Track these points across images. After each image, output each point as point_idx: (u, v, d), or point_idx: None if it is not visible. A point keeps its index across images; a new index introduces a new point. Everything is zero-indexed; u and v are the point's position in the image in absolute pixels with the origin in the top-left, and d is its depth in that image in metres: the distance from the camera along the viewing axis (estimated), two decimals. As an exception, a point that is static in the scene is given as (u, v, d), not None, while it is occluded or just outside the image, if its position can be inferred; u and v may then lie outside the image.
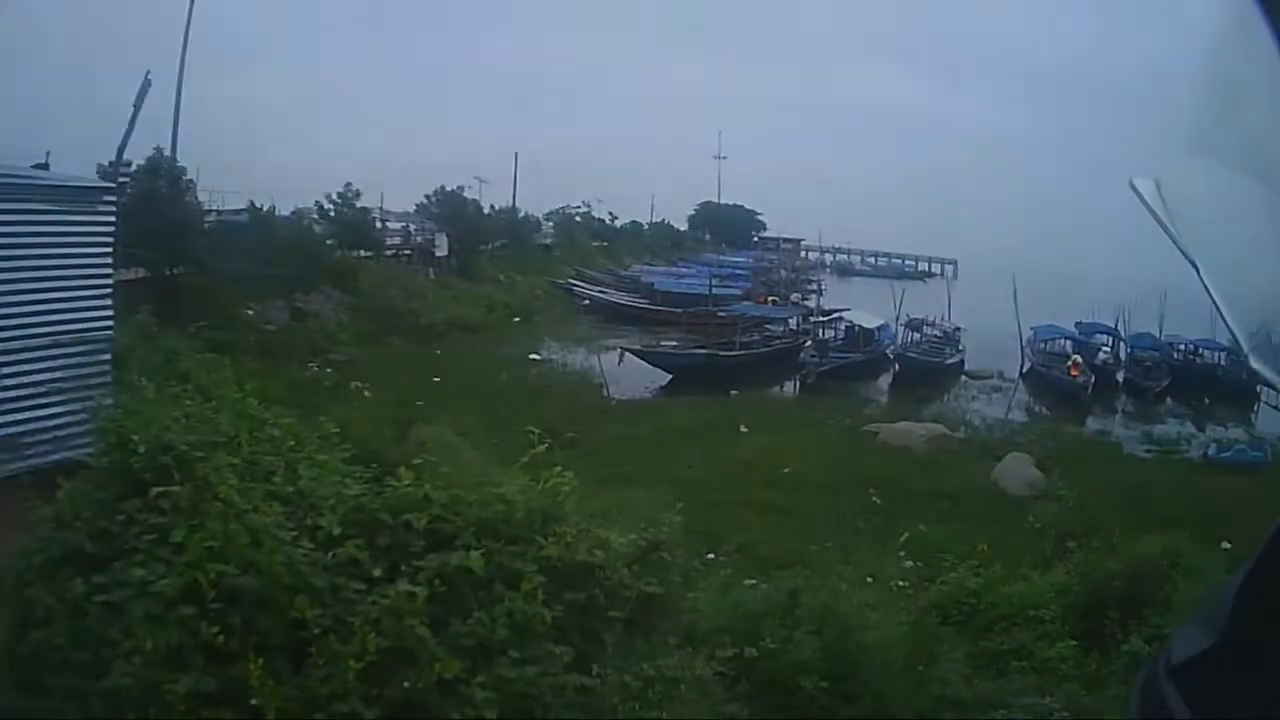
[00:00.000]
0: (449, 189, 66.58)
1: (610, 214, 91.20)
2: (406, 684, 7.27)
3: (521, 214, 77.81)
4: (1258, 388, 62.82)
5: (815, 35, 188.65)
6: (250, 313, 43.23)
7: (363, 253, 55.60)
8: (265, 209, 51.30)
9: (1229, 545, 27.25)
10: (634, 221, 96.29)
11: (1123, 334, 64.48)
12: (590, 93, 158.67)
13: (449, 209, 65.59)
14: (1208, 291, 1.80)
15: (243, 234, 47.62)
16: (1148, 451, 44.64)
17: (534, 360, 48.46)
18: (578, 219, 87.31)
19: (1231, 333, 1.82)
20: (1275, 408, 60.85)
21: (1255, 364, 1.82)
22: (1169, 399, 57.31)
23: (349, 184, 56.59)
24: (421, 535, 8.24)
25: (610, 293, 67.56)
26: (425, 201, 67.37)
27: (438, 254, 61.95)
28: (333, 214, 56.09)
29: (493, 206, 72.12)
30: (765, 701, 10.39)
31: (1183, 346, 64.79)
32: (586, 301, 66.02)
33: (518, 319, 58.63)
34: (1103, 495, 25.84)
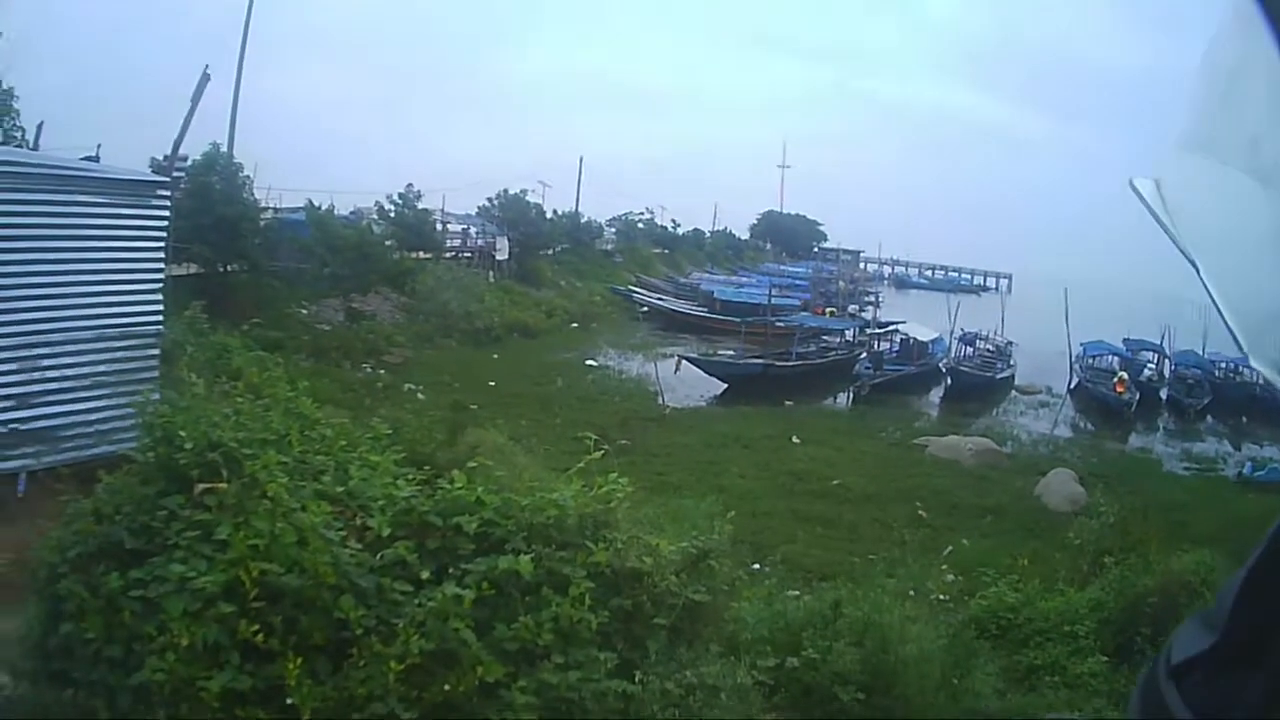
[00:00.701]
0: (512, 192, 67.35)
1: (673, 221, 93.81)
2: (447, 687, 7.28)
3: (584, 219, 79.27)
4: None
5: (885, 45, 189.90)
6: (305, 312, 44.09)
7: (422, 254, 55.72)
8: (324, 208, 51.50)
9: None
10: (696, 229, 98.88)
11: (1167, 351, 64.33)
12: (661, 100, 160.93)
13: (511, 212, 66.69)
14: (1208, 292, 1.83)
15: (300, 232, 47.72)
16: (1186, 469, 44.42)
17: (590, 366, 49.11)
18: (640, 225, 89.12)
19: (1231, 333, 1.81)
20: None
21: (1255, 364, 1.84)
22: (1209, 417, 56.92)
23: (410, 185, 57.80)
24: (472, 539, 8.27)
25: (669, 300, 68.29)
26: (487, 204, 68.47)
27: (498, 257, 62.93)
28: (393, 215, 57.46)
29: (555, 211, 73.73)
30: (802, 711, 10.48)
31: (1223, 365, 63.71)
32: (645, 309, 66.67)
33: (575, 324, 59.40)
34: (1141, 512, 25.71)
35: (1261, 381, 63.29)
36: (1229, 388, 61.09)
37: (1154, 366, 64.02)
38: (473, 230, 67.52)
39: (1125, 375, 56.30)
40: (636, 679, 7.93)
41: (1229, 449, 50.61)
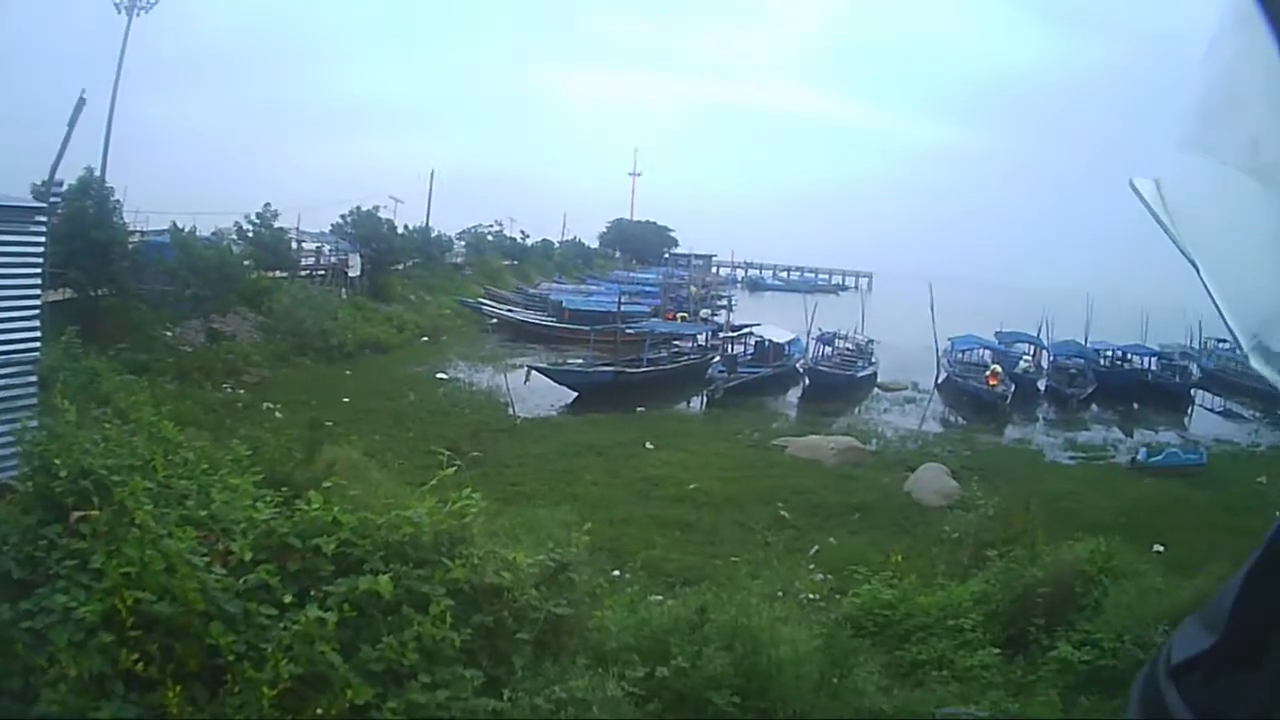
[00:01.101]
0: (365, 209, 68.64)
1: (522, 232, 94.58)
2: (319, 711, 7.45)
3: (434, 233, 79.96)
4: (1190, 391, 65.64)
5: (736, 52, 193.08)
6: (169, 334, 45.18)
7: (278, 273, 56.95)
8: (187, 230, 52.28)
9: (1162, 548, 27.98)
10: (545, 239, 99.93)
11: (1045, 342, 66.04)
12: (510, 114, 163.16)
13: (363, 229, 68.05)
14: (1208, 292, 1.92)
15: (166, 255, 48.78)
16: (1072, 458, 45.76)
17: (441, 380, 50.04)
18: (489, 237, 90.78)
19: (1232, 333, 1.92)
20: (1212, 410, 62.93)
21: (1256, 365, 1.88)
22: (1094, 406, 58.63)
23: (267, 204, 59.10)
24: (330, 559, 8.46)
25: (518, 311, 69.26)
26: (340, 221, 69.58)
27: (350, 274, 64.35)
28: (250, 235, 58.76)
29: (406, 226, 74.40)
30: (677, 717, 10.57)
31: (1109, 353, 67.17)
32: (494, 320, 67.57)
33: (426, 338, 60.47)
34: (1024, 503, 26.34)
35: (1154, 368, 65.62)
36: (1116, 376, 64.35)
37: (1030, 358, 65.50)
38: (326, 248, 68.87)
39: (998, 368, 58.10)
40: (505, 696, 8.15)
41: (1120, 436, 52.13)
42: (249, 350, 47.99)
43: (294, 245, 63.28)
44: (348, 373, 49.58)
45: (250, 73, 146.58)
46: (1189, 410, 64.16)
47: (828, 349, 61.62)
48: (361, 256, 66.97)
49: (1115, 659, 15.20)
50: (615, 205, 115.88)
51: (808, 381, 56.96)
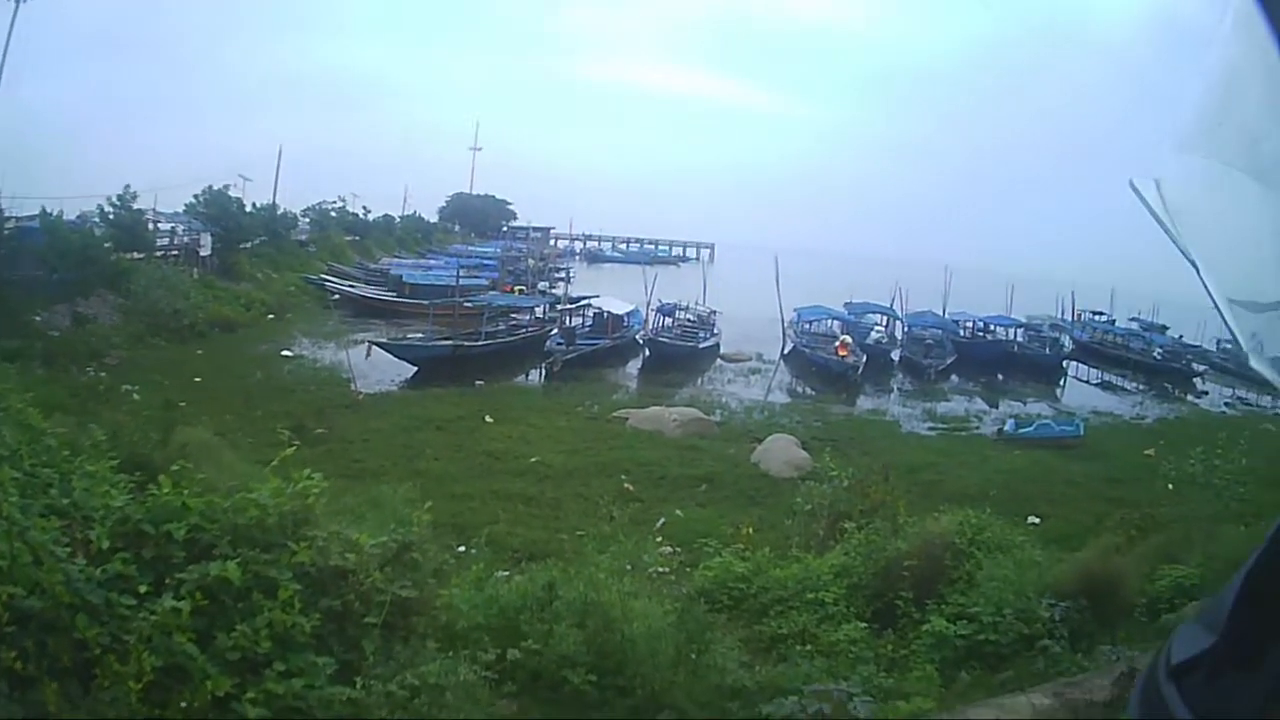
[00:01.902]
0: (216, 188, 71.88)
1: (364, 208, 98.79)
2: (184, 704, 7.53)
3: (281, 211, 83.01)
4: (1062, 363, 68.12)
5: (586, 27, 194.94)
6: (39, 319, 47.77)
7: (136, 255, 60.25)
8: (55, 214, 56.18)
9: (1038, 520, 28.72)
10: (387, 215, 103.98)
11: (898, 313, 68.58)
12: (356, 89, 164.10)
13: (213, 208, 70.95)
14: (1207, 291, 2.02)
15: (35, 240, 52.71)
16: (931, 429, 47.43)
17: (287, 357, 52.16)
18: (333, 214, 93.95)
19: (1231, 331, 2.03)
20: (1088, 383, 64.46)
21: (1254, 364, 1.98)
22: (955, 377, 60.86)
23: (127, 186, 61.88)
24: (182, 546, 8.52)
25: (359, 287, 71.94)
26: (194, 201, 72.34)
27: (202, 253, 66.61)
28: (111, 217, 62.27)
29: (255, 204, 77.60)
30: (534, 699, 10.93)
31: (970, 324, 69.86)
32: (337, 296, 69.87)
33: (272, 316, 62.74)
34: (882, 474, 26.82)
35: (1020, 339, 67.18)
36: (978, 347, 67.04)
37: (883, 329, 67.79)
38: (180, 228, 70.96)
39: (848, 339, 60.02)
40: (359, 684, 8.30)
41: (983, 408, 54.13)
42: (109, 332, 50.07)
43: (150, 226, 66.06)
44: (199, 352, 51.73)
45: (126, 54, 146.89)
46: (1061, 382, 66.42)
47: (668, 320, 63.32)
48: (212, 236, 69.76)
49: (997, 633, 15.59)
50: (460, 180, 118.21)
51: (648, 353, 58.67)
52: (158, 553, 8.50)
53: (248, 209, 77.07)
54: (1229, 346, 78.32)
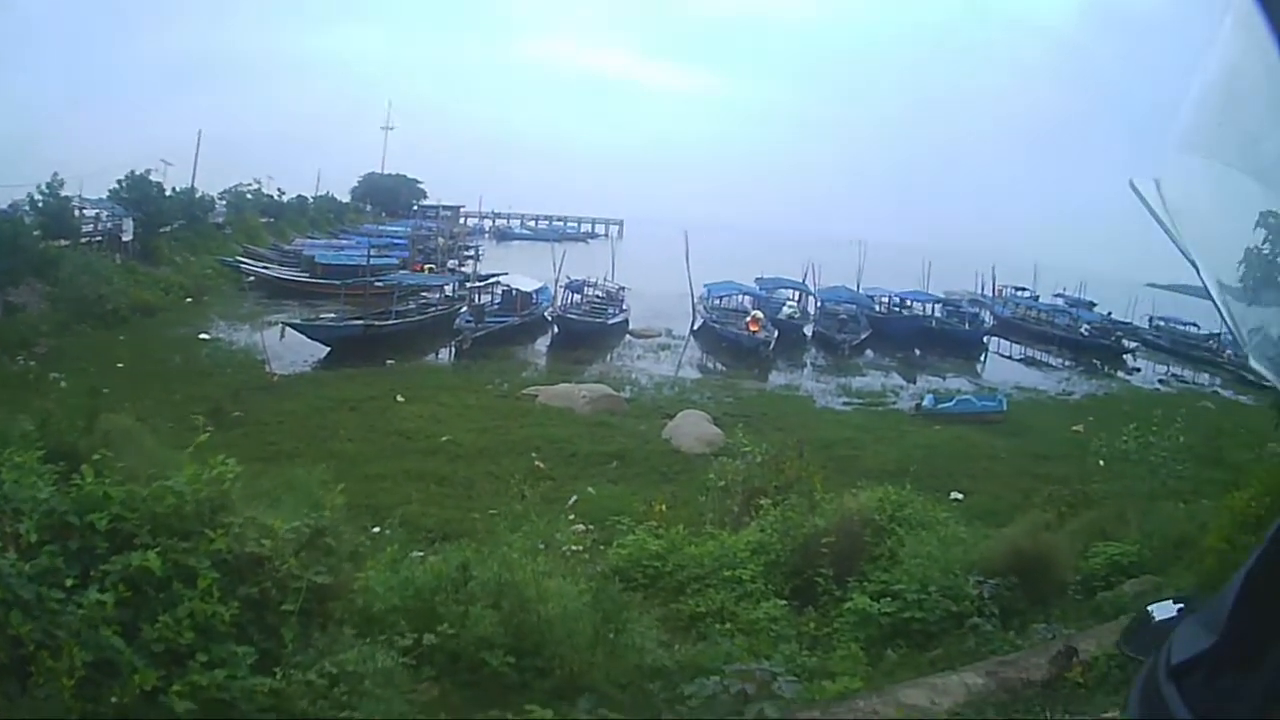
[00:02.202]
0: (138, 173, 71.73)
1: (279, 190, 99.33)
2: (114, 699, 7.54)
3: (199, 194, 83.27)
4: (982, 338, 69.57)
5: (503, 5, 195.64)
6: None
7: (63, 242, 60.19)
8: None
9: (961, 496, 29.01)
10: (300, 196, 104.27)
11: (811, 288, 69.80)
12: (277, 70, 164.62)
13: (135, 193, 70.68)
14: (1208, 290, 2.05)
15: None
16: (847, 404, 48.27)
17: (204, 340, 52.68)
18: (248, 196, 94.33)
19: (1232, 331, 2.08)
20: (1011, 358, 65.13)
21: (1255, 363, 1.99)
22: (870, 352, 61.68)
23: (55, 174, 63.00)
24: (105, 536, 8.50)
25: (274, 268, 72.50)
26: (117, 187, 72.12)
27: (124, 239, 66.81)
28: (40, 205, 62.42)
29: (174, 188, 77.43)
30: (454, 682, 10.97)
31: (885, 299, 70.94)
32: (252, 278, 70.39)
33: (190, 300, 63.34)
34: (797, 449, 27.03)
35: (938, 314, 67.76)
36: (894, 322, 67.95)
37: (795, 304, 68.55)
38: (104, 214, 70.19)
39: (759, 314, 61.01)
40: (279, 674, 8.36)
41: (900, 383, 55.22)
42: (37, 320, 50.89)
43: (76, 213, 65.71)
44: (121, 338, 51.61)
45: (68, 41, 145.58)
46: (982, 358, 67.31)
47: (576, 297, 64.13)
48: (134, 221, 69.20)
49: (923, 611, 15.86)
50: (373, 160, 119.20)
51: (557, 330, 59.55)
52: (83, 544, 8.50)
53: (168, 193, 76.70)
54: (1162, 323, 79.43)
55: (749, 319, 61.83)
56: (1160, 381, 67.81)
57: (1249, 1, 1.84)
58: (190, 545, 8.63)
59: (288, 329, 52.10)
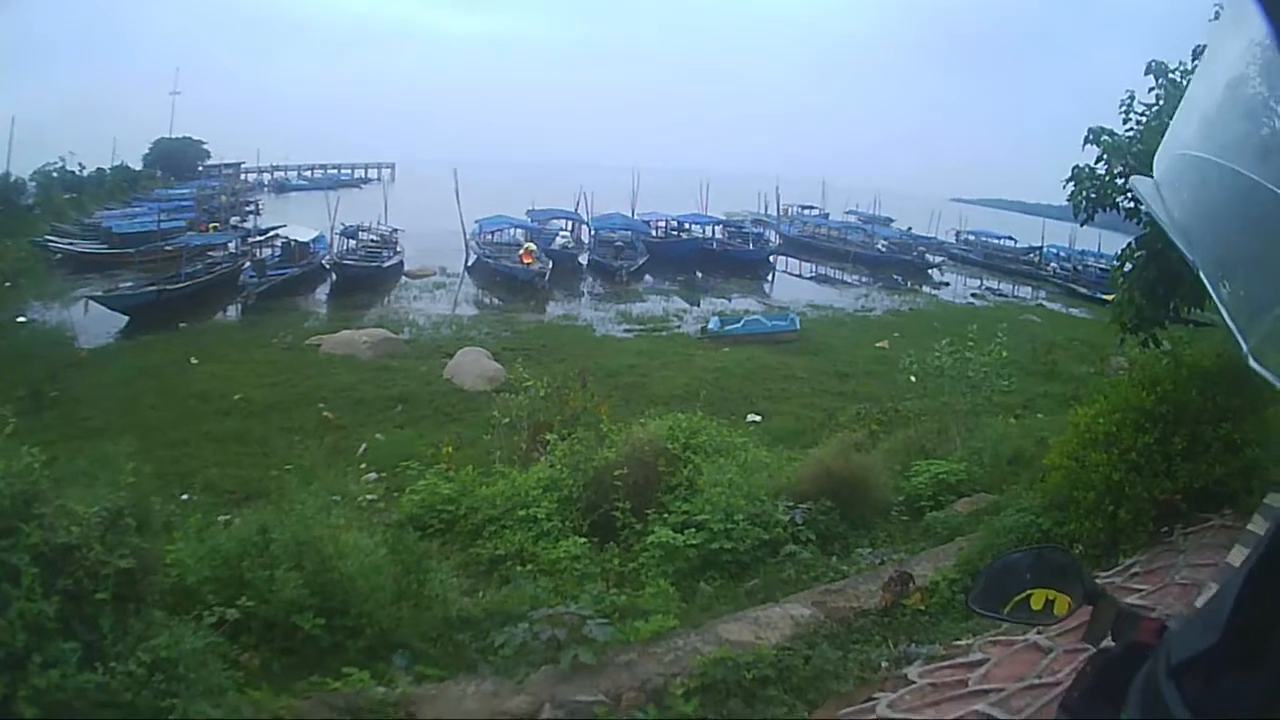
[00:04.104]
0: None
1: (80, 165, 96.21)
2: None
3: (12, 178, 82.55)
4: (769, 258, 71.05)
5: None
6: None
7: None
8: None
9: (758, 418, 29.57)
10: (100, 169, 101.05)
11: (584, 217, 70.51)
12: (66, 48, 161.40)
13: None
14: (1209, 290, 2.09)
15: None
16: (628, 331, 49.21)
17: (21, 323, 51.76)
18: (54, 174, 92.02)
19: (1234, 332, 2.01)
20: (799, 277, 66.02)
21: (1255, 365, 1.94)
22: (649, 278, 62.74)
23: None
24: None
25: (78, 243, 71.25)
26: None
27: None
28: None
29: None
30: (272, 649, 11.21)
31: (662, 223, 71.92)
32: (59, 255, 69.02)
33: (9, 283, 61.46)
34: (580, 381, 28.07)
35: (719, 236, 70.37)
36: (673, 246, 69.11)
37: (568, 234, 69.76)
38: None
39: (532, 246, 62.07)
40: (101, 668, 8.39)
41: (684, 306, 56.18)
42: None
43: None
44: None
45: None
46: (769, 277, 68.91)
47: (352, 242, 64.93)
48: None
49: (731, 540, 16.02)
50: (165, 126, 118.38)
51: (335, 277, 59.84)
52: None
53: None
54: (971, 237, 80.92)
55: (522, 251, 62.92)
56: (974, 295, 69.06)
57: (1249, 1, 1.87)
58: (10, 542, 8.55)
59: (91, 302, 51.21)
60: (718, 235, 75.09)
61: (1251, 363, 1.91)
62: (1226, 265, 2.15)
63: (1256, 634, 1.86)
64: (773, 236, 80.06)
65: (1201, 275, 2.09)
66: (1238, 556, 10.71)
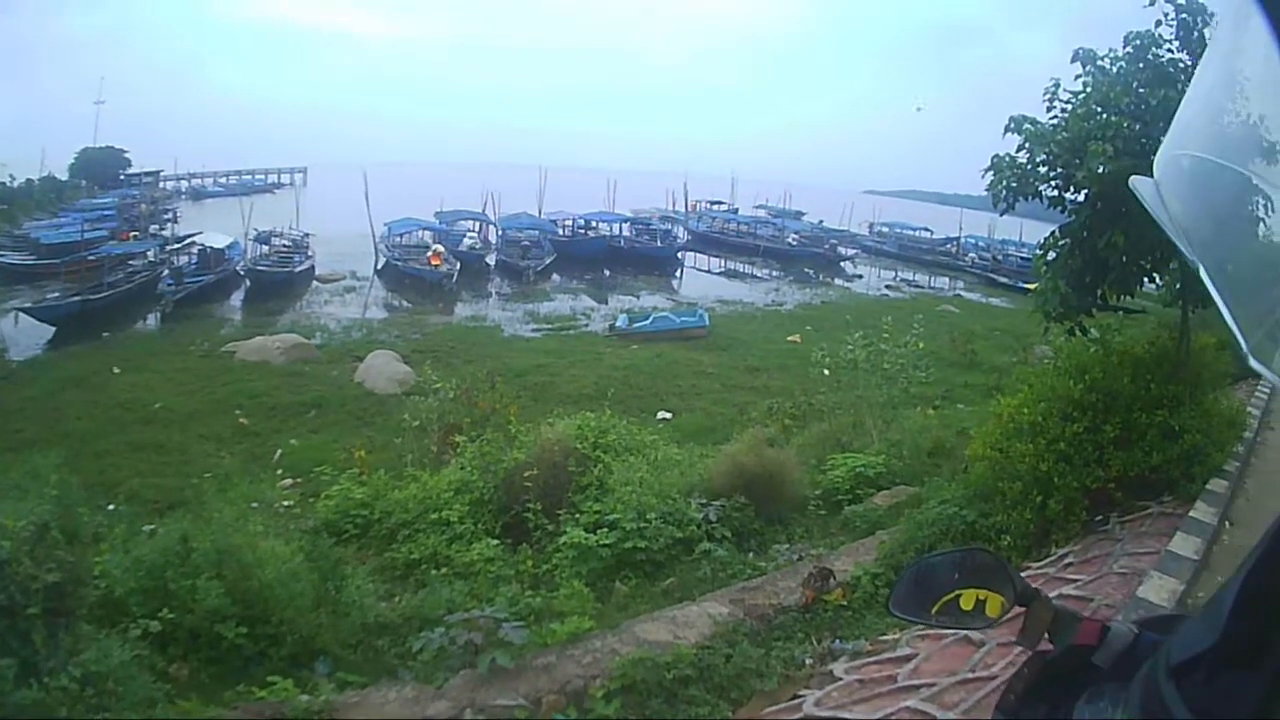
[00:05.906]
0: None
1: (11, 176, 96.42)
2: None
3: None
4: (677, 254, 72.77)
5: None
6: None
7: None
8: None
9: (669, 415, 30.81)
10: (28, 179, 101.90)
11: (490, 218, 72.06)
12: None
13: None
14: (1211, 291, 2.02)
15: None
16: (536, 330, 49.98)
17: None
18: None
19: (1236, 333, 1.95)
20: (708, 272, 66.49)
21: (1256, 366, 1.92)
22: (557, 276, 63.64)
23: None
24: None
25: (8, 255, 70.51)
26: None
27: None
28: None
29: None
30: (199, 658, 11.39)
31: (569, 222, 73.11)
32: None
33: None
34: (488, 381, 28.67)
35: (625, 234, 72.10)
36: (580, 245, 70.23)
37: (475, 234, 70.88)
38: None
39: (439, 248, 63.40)
40: (36, 683, 8.53)
41: (591, 305, 56.90)
42: None
43: None
44: None
45: None
46: (678, 274, 70.28)
47: (265, 248, 65.51)
48: None
49: (644, 539, 16.19)
50: (89, 136, 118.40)
51: (249, 283, 60.26)
52: None
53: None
54: (885, 229, 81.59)
55: (430, 253, 64.05)
56: (888, 287, 70.08)
57: (1249, 1, 1.87)
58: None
59: (20, 314, 51.88)
60: (625, 233, 76.09)
61: (1252, 362, 1.91)
62: (1228, 266, 2.12)
63: (1256, 634, 1.84)
64: (681, 233, 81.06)
65: (1203, 275, 2.02)
66: (1181, 544, 11.15)
